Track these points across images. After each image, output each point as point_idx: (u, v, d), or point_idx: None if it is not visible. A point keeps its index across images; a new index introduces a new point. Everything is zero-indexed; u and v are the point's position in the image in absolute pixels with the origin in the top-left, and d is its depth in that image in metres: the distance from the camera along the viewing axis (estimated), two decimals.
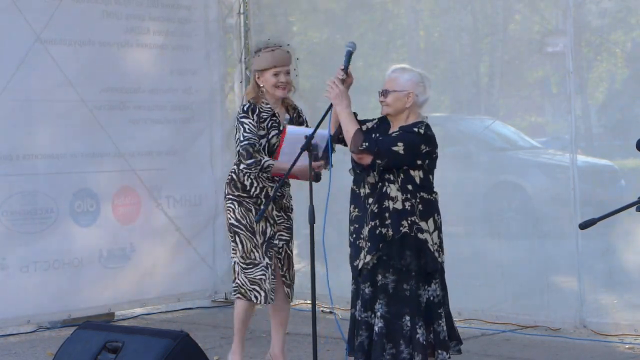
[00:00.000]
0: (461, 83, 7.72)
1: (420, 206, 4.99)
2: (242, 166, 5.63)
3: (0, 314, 7.20)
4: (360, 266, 5.07)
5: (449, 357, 5.05)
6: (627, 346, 6.61)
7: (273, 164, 5.57)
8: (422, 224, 4.99)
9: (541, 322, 7.09)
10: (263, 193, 5.73)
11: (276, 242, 5.80)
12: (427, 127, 5.04)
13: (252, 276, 5.70)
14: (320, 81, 7.83)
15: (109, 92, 7.79)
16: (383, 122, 5.18)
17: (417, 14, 8.03)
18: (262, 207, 5.69)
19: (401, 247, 4.96)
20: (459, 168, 7.52)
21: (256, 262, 5.71)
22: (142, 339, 4.67)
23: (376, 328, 4.99)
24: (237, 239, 5.73)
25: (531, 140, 7.73)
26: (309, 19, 8.74)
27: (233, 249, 5.78)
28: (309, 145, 5.23)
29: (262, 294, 5.70)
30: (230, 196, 5.76)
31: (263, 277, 5.69)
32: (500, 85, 7.54)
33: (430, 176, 5.07)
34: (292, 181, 5.88)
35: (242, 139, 5.60)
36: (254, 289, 5.70)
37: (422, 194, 5.01)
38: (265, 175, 5.67)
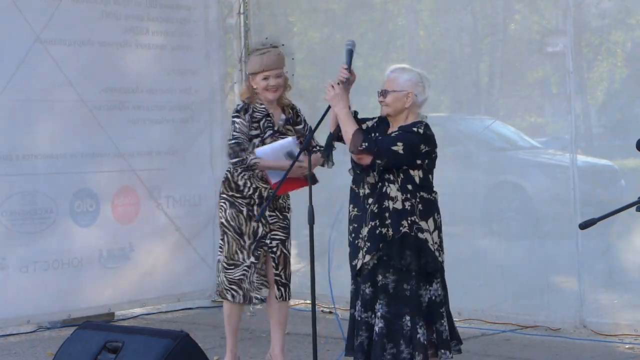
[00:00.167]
0: (461, 83, 7.72)
1: (420, 206, 4.99)
2: (228, 164, 5.75)
3: (0, 314, 7.20)
4: (359, 266, 5.07)
5: (452, 357, 5.05)
6: (627, 346, 6.61)
7: (258, 162, 5.63)
8: (422, 224, 4.99)
9: (541, 322, 7.09)
10: (256, 194, 5.79)
11: (268, 241, 5.83)
12: (427, 126, 5.04)
13: (231, 276, 5.79)
14: (320, 81, 7.83)
15: (109, 92, 7.79)
16: (382, 121, 5.18)
17: (417, 14, 8.03)
18: (255, 207, 5.75)
19: (401, 247, 4.96)
20: (459, 168, 7.53)
21: (238, 263, 5.79)
22: (142, 339, 4.67)
23: (376, 328, 4.98)
24: (225, 239, 5.82)
25: (531, 140, 7.73)
26: (309, 19, 8.75)
27: (220, 247, 5.88)
28: (308, 145, 5.28)
29: (241, 293, 5.79)
30: (224, 195, 5.84)
31: (243, 277, 5.77)
32: (500, 85, 7.54)
33: (430, 176, 5.07)
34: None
35: (230, 137, 5.72)
36: (231, 288, 5.79)
37: (422, 193, 5.01)
38: (256, 174, 5.73)
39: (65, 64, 7.50)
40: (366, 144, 4.96)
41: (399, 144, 4.94)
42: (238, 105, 5.87)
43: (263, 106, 5.79)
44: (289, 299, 5.99)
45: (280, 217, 5.88)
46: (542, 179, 7.56)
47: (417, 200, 4.99)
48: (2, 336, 7.33)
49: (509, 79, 7.50)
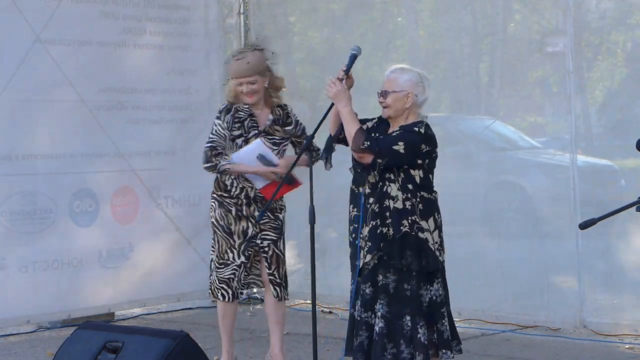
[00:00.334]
0: (461, 83, 7.72)
1: (420, 205, 4.99)
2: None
3: (0, 314, 7.20)
4: (359, 266, 5.07)
5: (453, 357, 5.05)
6: (627, 346, 6.61)
7: (229, 169, 5.69)
8: (423, 223, 4.99)
9: (541, 322, 7.09)
10: (243, 193, 5.82)
11: (258, 241, 5.84)
12: (427, 126, 5.04)
13: (222, 275, 5.86)
14: (320, 81, 7.83)
15: (109, 92, 7.79)
16: (382, 122, 5.18)
17: (417, 14, 8.03)
18: (244, 207, 5.79)
19: (402, 247, 4.96)
20: (459, 168, 7.52)
21: (228, 262, 5.84)
22: (142, 339, 4.67)
23: (377, 328, 4.98)
24: (216, 238, 5.91)
25: (531, 140, 7.72)
26: (309, 19, 8.74)
27: (212, 246, 5.96)
28: (309, 145, 5.29)
29: (230, 292, 5.84)
30: (214, 195, 5.94)
31: (232, 276, 5.82)
32: (500, 85, 7.54)
33: (430, 175, 5.07)
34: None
35: (207, 141, 5.77)
36: (221, 287, 5.86)
37: (422, 193, 5.01)
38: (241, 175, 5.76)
39: (65, 64, 7.50)
40: (368, 143, 4.95)
41: (400, 143, 4.94)
42: (222, 105, 5.89)
43: (247, 107, 5.80)
44: (286, 299, 5.98)
45: (272, 217, 5.88)
46: (542, 179, 7.56)
47: (418, 199, 4.99)
48: (2, 336, 7.32)
49: (509, 79, 7.51)
